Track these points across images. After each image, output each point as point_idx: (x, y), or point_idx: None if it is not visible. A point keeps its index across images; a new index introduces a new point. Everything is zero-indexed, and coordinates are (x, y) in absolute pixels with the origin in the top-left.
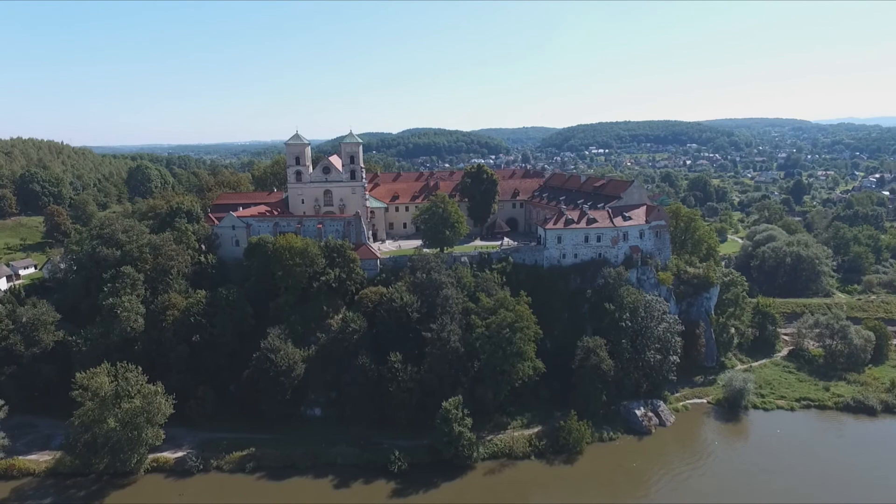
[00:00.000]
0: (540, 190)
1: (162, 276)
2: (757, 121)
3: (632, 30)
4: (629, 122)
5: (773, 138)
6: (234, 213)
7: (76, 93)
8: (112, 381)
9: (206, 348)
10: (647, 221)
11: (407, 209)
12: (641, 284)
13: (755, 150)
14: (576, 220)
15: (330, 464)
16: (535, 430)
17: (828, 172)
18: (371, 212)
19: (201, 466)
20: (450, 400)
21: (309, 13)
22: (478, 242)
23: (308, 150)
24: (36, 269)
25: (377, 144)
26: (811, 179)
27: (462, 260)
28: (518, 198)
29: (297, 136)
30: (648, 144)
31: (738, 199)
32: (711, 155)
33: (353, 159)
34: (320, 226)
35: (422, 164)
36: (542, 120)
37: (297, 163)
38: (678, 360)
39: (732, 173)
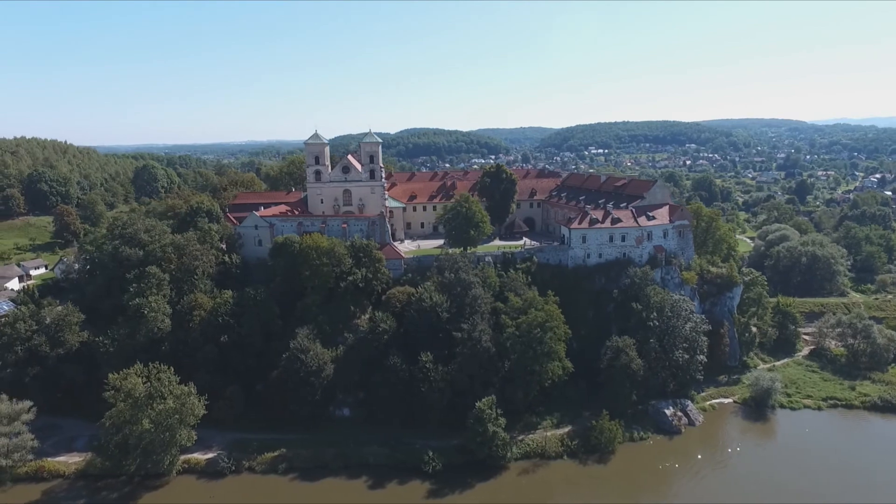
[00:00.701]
0: (557, 190)
1: (187, 276)
2: (754, 121)
3: (630, 30)
4: (628, 122)
5: (771, 139)
6: (257, 213)
7: (70, 93)
8: (145, 382)
9: (233, 348)
10: (670, 221)
11: (424, 209)
12: (665, 284)
13: (754, 151)
14: (600, 219)
15: (361, 464)
16: (566, 429)
17: (828, 173)
18: (390, 211)
19: (233, 468)
20: (484, 400)
21: (307, 13)
22: (497, 242)
23: (327, 150)
24: (47, 269)
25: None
26: (812, 179)
27: (486, 260)
28: (535, 197)
29: (316, 135)
30: (647, 144)
31: (741, 199)
32: (711, 155)
33: (372, 159)
34: (345, 225)
35: (422, 164)
36: (539, 120)
37: (317, 162)
38: (705, 360)
39: (733, 173)
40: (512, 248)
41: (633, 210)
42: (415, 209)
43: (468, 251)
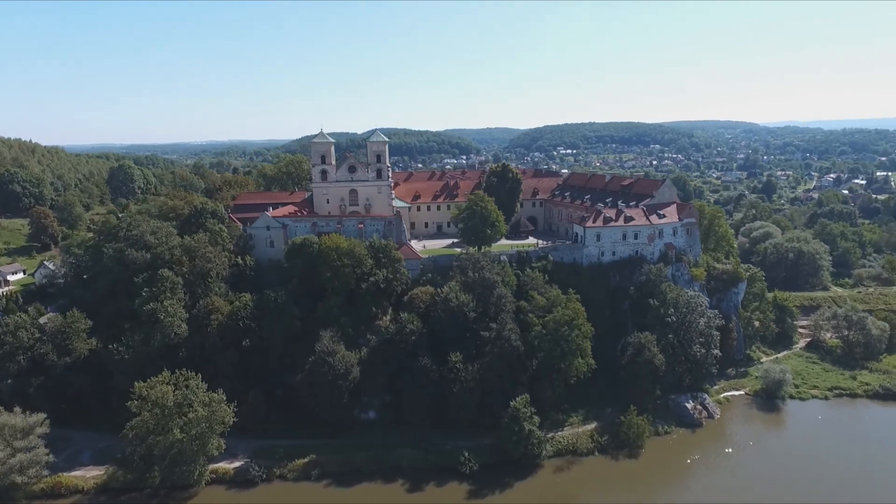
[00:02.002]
0: (560, 189)
1: (200, 279)
2: (711, 123)
3: (596, 34)
4: (594, 123)
5: (728, 140)
6: (269, 213)
7: (25, 91)
8: (176, 390)
9: (254, 353)
10: (679, 219)
11: (429, 209)
12: (676, 280)
13: (714, 152)
14: (614, 218)
15: (394, 468)
16: (592, 426)
17: (786, 173)
18: (396, 211)
19: (264, 476)
20: (518, 399)
21: (273, 12)
22: (504, 241)
23: (333, 149)
24: (25, 274)
25: (346, 145)
26: (772, 179)
27: (502, 259)
28: (538, 197)
29: (322, 134)
30: (614, 145)
31: (713, 198)
32: (675, 156)
33: (379, 158)
34: (361, 225)
35: (395, 165)
36: (505, 121)
37: (323, 161)
38: (719, 354)
39: (698, 173)
40: (526, 247)
41: (644, 208)
42: (419, 209)
43: (482, 250)
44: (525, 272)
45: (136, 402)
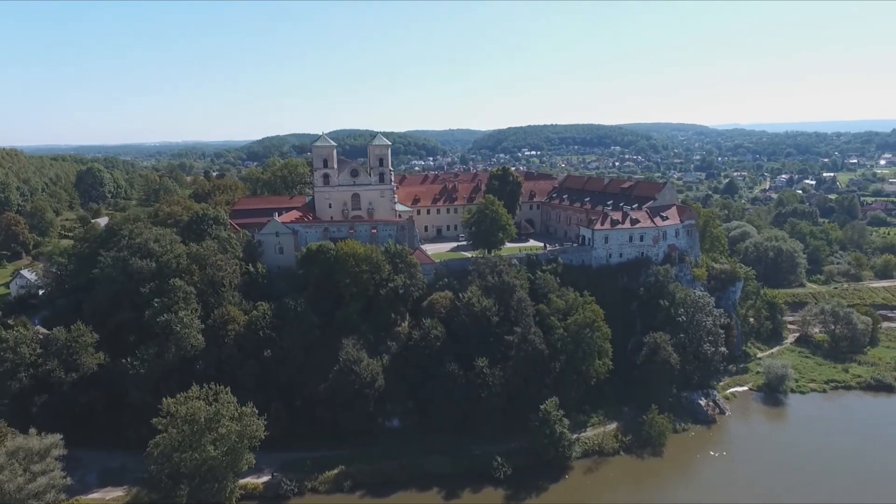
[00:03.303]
0: (558, 192)
1: (212, 288)
2: (664, 125)
3: (559, 38)
4: (556, 125)
5: (682, 142)
6: (278, 219)
7: None
8: (209, 405)
9: (274, 363)
10: (680, 221)
11: (429, 212)
12: (679, 281)
13: (672, 153)
14: (620, 220)
15: (426, 475)
16: (614, 425)
17: (742, 173)
18: (410, 216)
19: (296, 490)
20: (548, 401)
21: (231, 13)
22: (508, 245)
23: (335, 153)
24: None
25: (310, 146)
26: (733, 180)
27: (513, 262)
28: (534, 199)
29: (323, 137)
30: (576, 147)
31: (680, 199)
32: (635, 157)
33: (381, 162)
34: (374, 230)
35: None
36: (467, 122)
37: (325, 165)
38: (726, 351)
39: (659, 174)
40: (534, 250)
41: (648, 211)
42: (419, 212)
43: (492, 254)
44: (536, 275)
45: (163, 419)
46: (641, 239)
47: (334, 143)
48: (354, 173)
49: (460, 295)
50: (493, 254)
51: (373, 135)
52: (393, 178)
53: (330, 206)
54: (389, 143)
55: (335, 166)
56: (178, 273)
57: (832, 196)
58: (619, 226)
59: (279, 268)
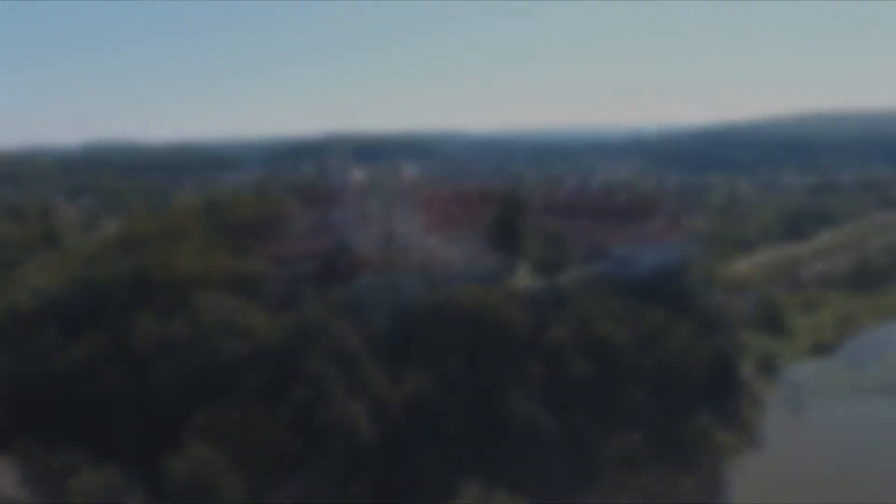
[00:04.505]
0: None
1: None
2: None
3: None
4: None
5: None
6: None
7: None
8: None
9: None
10: (675, 232)
11: None
12: (695, 288)
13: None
14: (640, 233)
15: None
16: None
17: None
18: None
19: None
20: None
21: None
22: None
23: None
24: None
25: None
26: None
27: None
28: None
29: None
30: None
31: None
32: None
33: None
34: None
35: None
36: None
37: None
38: None
39: None
40: None
41: (646, 223)
42: None
43: None
44: None
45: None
46: (657, 250)
47: None
48: None
49: None
50: None
51: None
52: None
53: None
54: None
55: None
56: None
57: None
58: (639, 239)
59: None
